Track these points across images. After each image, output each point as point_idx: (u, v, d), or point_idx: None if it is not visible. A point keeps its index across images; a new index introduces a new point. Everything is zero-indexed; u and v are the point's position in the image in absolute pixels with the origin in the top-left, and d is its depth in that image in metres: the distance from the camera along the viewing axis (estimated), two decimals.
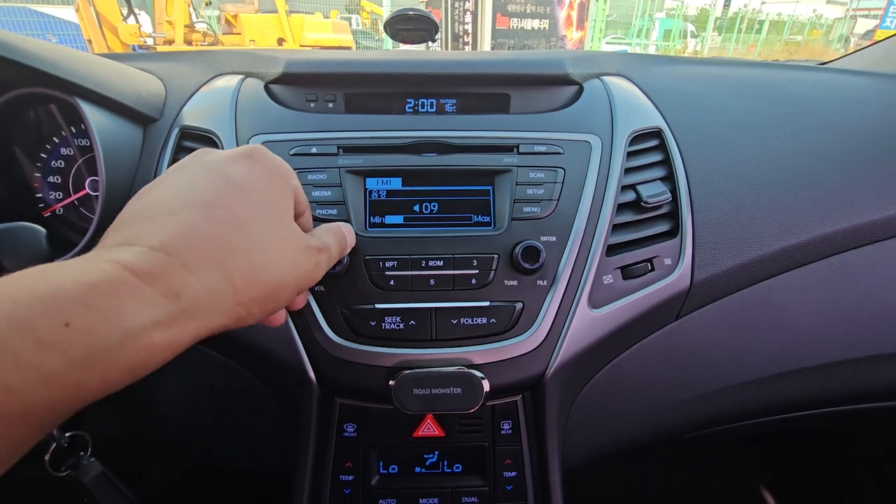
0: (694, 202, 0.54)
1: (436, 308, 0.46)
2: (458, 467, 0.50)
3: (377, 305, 0.46)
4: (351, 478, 0.49)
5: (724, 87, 0.65)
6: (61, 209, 0.60)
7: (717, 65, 0.73)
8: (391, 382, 0.43)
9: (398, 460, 0.50)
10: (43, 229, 0.39)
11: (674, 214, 0.53)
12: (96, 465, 0.45)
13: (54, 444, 0.43)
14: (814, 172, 0.58)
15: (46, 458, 0.42)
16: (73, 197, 0.61)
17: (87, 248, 0.52)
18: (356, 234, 0.47)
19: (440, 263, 0.46)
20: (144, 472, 0.73)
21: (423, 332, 0.45)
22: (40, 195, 0.60)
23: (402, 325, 0.45)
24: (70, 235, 0.60)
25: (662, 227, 0.53)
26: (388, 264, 0.46)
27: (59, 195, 0.60)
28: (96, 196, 0.58)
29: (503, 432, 0.49)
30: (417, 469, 0.50)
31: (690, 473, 1.18)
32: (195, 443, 0.53)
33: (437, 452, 0.50)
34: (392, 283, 0.46)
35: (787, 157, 0.58)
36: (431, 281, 0.46)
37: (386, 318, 0.45)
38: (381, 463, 0.50)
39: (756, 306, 0.56)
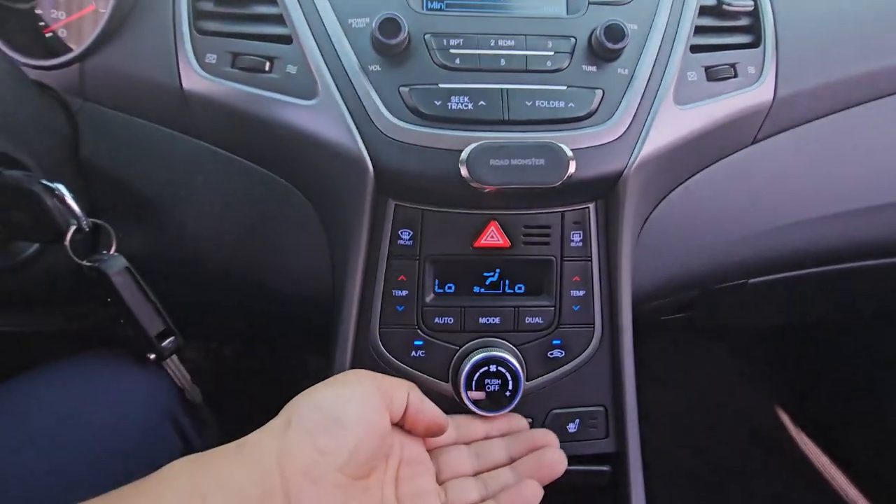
0: (776, 13, 0.49)
1: (508, 89, 0.40)
2: (520, 287, 0.46)
3: (441, 85, 0.40)
4: (405, 293, 0.44)
5: None
6: (63, 29, 0.53)
7: None
8: (464, 154, 0.38)
9: (455, 278, 0.45)
10: None
11: (755, 28, 0.49)
12: (121, 259, 0.40)
13: (75, 226, 0.37)
14: None
15: (67, 240, 0.37)
16: (79, 13, 0.54)
17: (86, 54, 0.45)
18: (413, 11, 0.41)
19: (511, 43, 0.41)
20: None
21: (495, 113, 0.40)
22: (40, 12, 0.53)
23: (470, 106, 0.40)
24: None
25: (744, 39, 0.49)
26: (452, 42, 0.41)
27: (61, 14, 0.53)
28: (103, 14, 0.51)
29: (573, 244, 0.44)
30: (476, 289, 0.45)
31: (708, 398, 1.17)
32: (227, 266, 0.48)
33: (498, 270, 0.45)
34: (458, 61, 0.41)
35: None
36: (502, 61, 0.41)
37: (452, 97, 0.40)
38: (436, 281, 0.45)
39: (838, 134, 0.51)
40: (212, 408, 0.80)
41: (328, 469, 0.30)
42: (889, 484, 0.98)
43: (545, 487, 0.40)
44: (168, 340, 0.44)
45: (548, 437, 0.43)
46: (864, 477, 1.02)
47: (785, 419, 1.16)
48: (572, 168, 0.39)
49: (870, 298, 0.71)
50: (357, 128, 0.40)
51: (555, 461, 0.41)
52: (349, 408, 0.33)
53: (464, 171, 0.38)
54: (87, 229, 0.38)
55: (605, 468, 0.47)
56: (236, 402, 0.96)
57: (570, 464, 0.48)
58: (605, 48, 0.41)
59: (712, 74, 0.45)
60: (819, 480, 1.05)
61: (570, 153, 0.38)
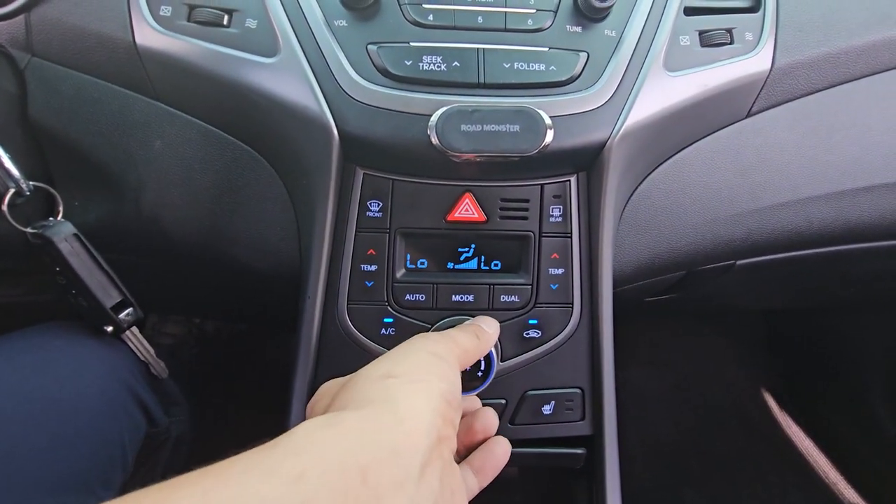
0: None
1: (485, 49, 0.37)
2: (496, 264, 0.44)
3: (413, 43, 0.37)
4: (374, 268, 0.42)
5: None
6: None
7: None
8: (433, 118, 0.35)
9: (428, 253, 0.43)
10: None
11: None
12: (68, 225, 0.38)
13: (14, 189, 0.34)
14: None
15: (4, 205, 0.34)
16: None
17: (31, 4, 0.41)
18: None
19: None
20: None
21: (470, 75, 0.37)
22: None
23: (443, 67, 0.37)
24: None
25: (743, 2, 0.46)
26: None
27: None
28: None
29: (552, 219, 0.42)
30: (450, 265, 0.43)
31: (694, 380, 1.17)
32: (190, 238, 0.46)
33: (473, 246, 0.43)
34: (431, 17, 0.38)
35: None
36: (479, 18, 0.38)
37: (424, 57, 0.37)
38: (408, 256, 0.43)
39: (833, 111, 0.49)
40: (192, 384, 0.78)
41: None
42: (871, 466, 0.98)
43: (519, 469, 0.38)
44: (125, 312, 0.42)
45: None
46: (847, 460, 1.02)
47: (771, 402, 1.16)
48: (550, 136, 0.36)
49: (860, 282, 0.69)
50: (320, 88, 0.37)
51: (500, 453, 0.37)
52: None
53: (433, 137, 0.35)
54: (28, 193, 0.35)
55: (579, 451, 0.46)
56: (219, 378, 0.95)
57: (544, 446, 0.47)
58: (592, 7, 0.38)
59: (706, 39, 0.43)
60: (802, 463, 1.05)
61: (548, 120, 0.36)
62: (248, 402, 0.96)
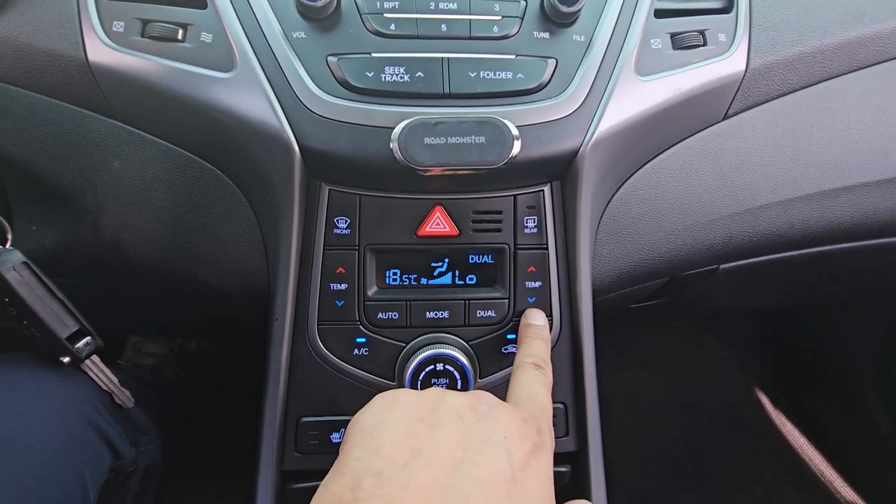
0: None
1: (449, 57, 0.36)
2: (471, 279, 0.42)
3: (374, 54, 0.36)
4: (344, 286, 0.40)
5: None
6: None
7: None
8: (396, 131, 0.34)
9: (399, 270, 0.41)
10: None
11: None
12: (16, 253, 0.36)
13: None
14: None
15: None
16: None
17: None
18: None
19: (453, 6, 0.37)
20: None
21: (434, 85, 0.36)
22: None
23: (406, 77, 0.36)
24: None
25: (715, 3, 0.45)
26: (386, 5, 0.36)
27: None
28: None
29: (527, 231, 0.41)
30: (423, 280, 0.42)
31: (687, 380, 1.16)
32: (153, 260, 0.44)
33: (447, 260, 0.42)
34: (393, 27, 0.36)
35: None
36: (443, 27, 0.37)
37: (386, 68, 0.36)
38: (378, 273, 0.41)
39: (811, 110, 0.48)
40: (173, 405, 0.75)
41: None
42: (866, 464, 0.98)
43: None
44: (83, 341, 0.40)
45: None
46: (842, 458, 1.02)
47: (765, 402, 1.16)
48: (517, 147, 0.35)
49: (845, 281, 0.68)
50: (279, 102, 0.36)
51: None
52: None
53: (396, 151, 0.34)
54: None
55: (564, 468, 0.45)
56: (202, 397, 0.93)
57: None
58: (559, 12, 0.37)
59: (679, 42, 0.42)
60: (797, 462, 1.04)
61: (514, 130, 0.35)
62: (230, 421, 0.94)
